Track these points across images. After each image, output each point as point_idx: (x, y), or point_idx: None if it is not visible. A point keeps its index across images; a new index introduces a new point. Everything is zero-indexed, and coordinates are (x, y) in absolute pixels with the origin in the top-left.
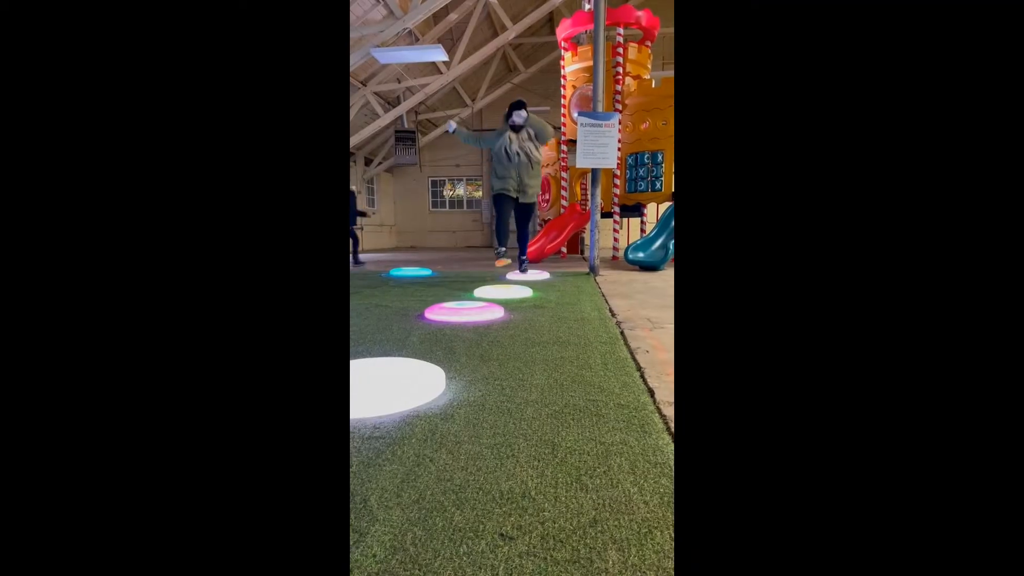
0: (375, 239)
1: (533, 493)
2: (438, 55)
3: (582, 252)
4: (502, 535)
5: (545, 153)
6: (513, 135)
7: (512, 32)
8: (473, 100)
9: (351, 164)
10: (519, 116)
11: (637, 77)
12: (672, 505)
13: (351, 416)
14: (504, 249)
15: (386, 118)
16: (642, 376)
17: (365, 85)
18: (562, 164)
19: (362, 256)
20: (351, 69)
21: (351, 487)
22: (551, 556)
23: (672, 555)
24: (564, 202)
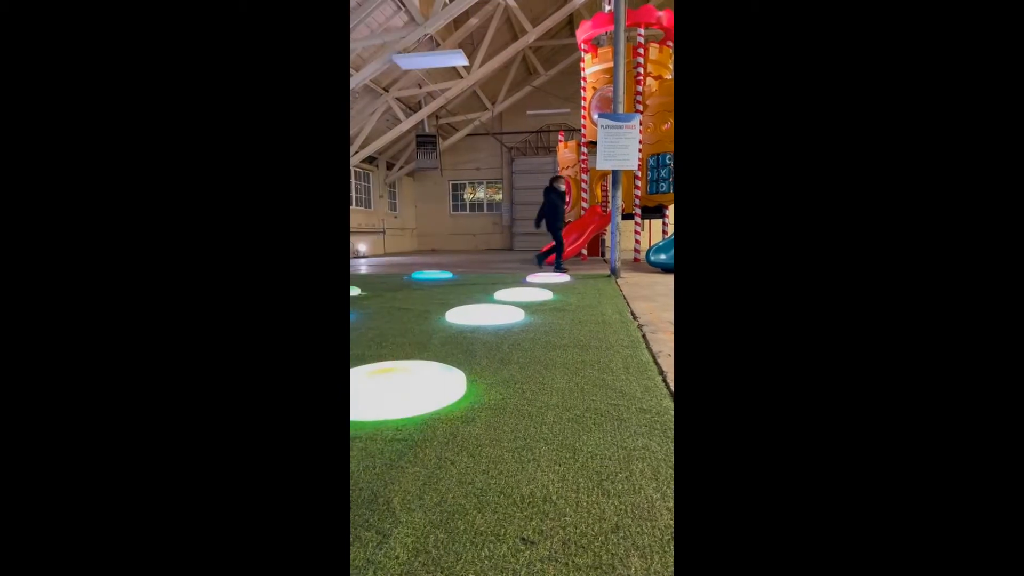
0: (397, 242)
1: (554, 497)
2: (459, 60)
3: (603, 254)
4: (523, 539)
5: (565, 155)
6: None
7: (532, 35)
8: (493, 103)
9: (373, 169)
10: None
11: (658, 77)
12: None
13: (373, 418)
14: None
15: (407, 123)
16: (664, 380)
17: (387, 91)
18: (582, 166)
19: (386, 258)
20: (374, 76)
21: (374, 489)
22: (572, 561)
23: None
24: (584, 204)
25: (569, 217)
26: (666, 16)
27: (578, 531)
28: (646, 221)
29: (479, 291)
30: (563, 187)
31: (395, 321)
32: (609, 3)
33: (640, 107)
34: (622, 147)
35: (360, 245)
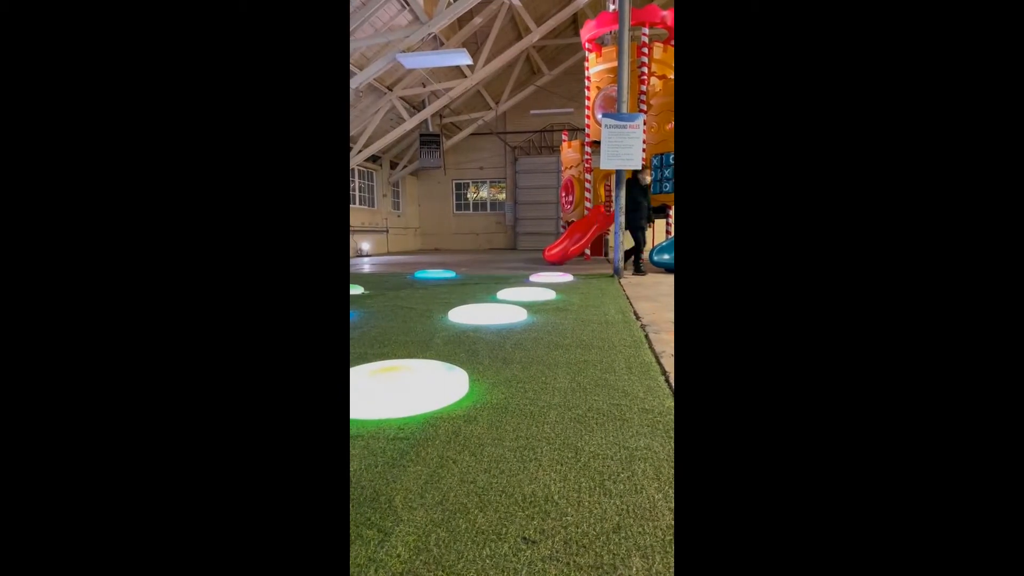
0: (400, 241)
1: (556, 497)
2: (462, 59)
3: (606, 254)
4: (525, 539)
5: (569, 154)
6: None
7: (536, 35)
8: (497, 103)
9: (377, 168)
10: None
11: (663, 77)
12: None
13: (376, 417)
14: None
15: (411, 122)
16: (667, 380)
17: (391, 90)
18: (586, 166)
19: (389, 257)
20: (377, 75)
21: (376, 487)
22: (574, 561)
23: None
24: (588, 204)
25: (572, 217)
26: (670, 16)
27: (580, 531)
28: None
29: (482, 290)
30: (647, 180)
31: (398, 320)
32: (613, 2)
33: (644, 107)
34: (626, 147)
35: (363, 244)
